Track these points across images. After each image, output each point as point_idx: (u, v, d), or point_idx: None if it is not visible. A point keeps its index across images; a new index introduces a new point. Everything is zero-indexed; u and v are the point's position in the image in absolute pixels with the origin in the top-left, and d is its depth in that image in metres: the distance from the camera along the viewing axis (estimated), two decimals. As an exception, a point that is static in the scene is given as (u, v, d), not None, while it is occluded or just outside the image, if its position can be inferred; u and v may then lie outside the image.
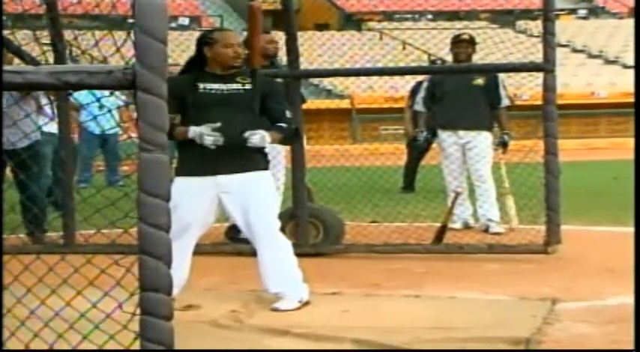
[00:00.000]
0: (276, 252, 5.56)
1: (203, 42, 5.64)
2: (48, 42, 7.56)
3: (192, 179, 5.51)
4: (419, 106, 9.53)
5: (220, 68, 5.60)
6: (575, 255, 7.38)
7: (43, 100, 8.54)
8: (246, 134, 5.44)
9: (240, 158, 5.50)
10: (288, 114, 5.79)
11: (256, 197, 5.52)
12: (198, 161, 5.48)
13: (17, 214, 8.00)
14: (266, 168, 5.65)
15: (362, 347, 4.69)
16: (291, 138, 5.98)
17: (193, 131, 5.43)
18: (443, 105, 9.11)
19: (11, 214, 8.51)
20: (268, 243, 5.55)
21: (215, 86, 5.58)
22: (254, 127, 5.52)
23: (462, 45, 8.97)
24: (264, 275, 5.60)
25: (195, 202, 5.49)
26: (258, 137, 5.45)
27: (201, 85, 5.57)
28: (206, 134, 5.38)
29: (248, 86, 5.61)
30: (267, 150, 5.71)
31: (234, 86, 5.59)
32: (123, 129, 12.47)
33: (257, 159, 5.59)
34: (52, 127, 8.69)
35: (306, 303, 5.60)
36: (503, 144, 9.10)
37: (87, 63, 7.54)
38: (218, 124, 5.39)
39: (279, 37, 8.42)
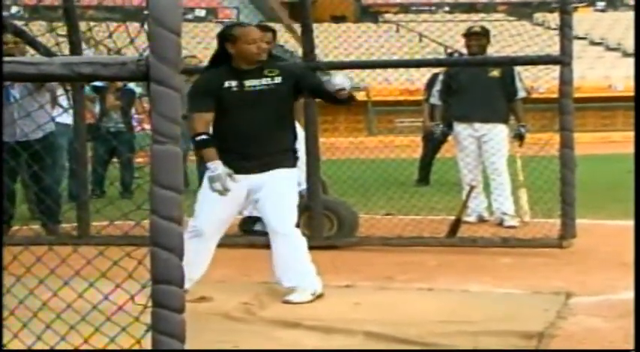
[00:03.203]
0: (290, 248, 5.57)
1: (224, 38, 5.61)
2: (64, 33, 7.57)
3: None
4: (435, 99, 9.50)
5: (245, 64, 5.57)
6: (590, 248, 7.36)
7: (59, 91, 8.55)
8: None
9: (271, 157, 5.55)
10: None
11: (275, 193, 5.55)
12: (235, 160, 5.48)
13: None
14: (292, 166, 5.67)
15: (373, 340, 4.69)
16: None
17: (214, 169, 5.37)
18: (459, 98, 9.07)
19: (22, 205, 8.56)
20: (284, 239, 5.57)
21: (247, 83, 5.54)
22: (282, 124, 5.53)
23: (474, 37, 8.93)
24: (278, 269, 5.62)
25: (230, 199, 5.51)
26: (340, 78, 5.26)
27: (227, 83, 5.54)
28: (218, 182, 5.36)
29: (277, 79, 5.57)
30: None
31: (264, 81, 5.57)
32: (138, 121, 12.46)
33: (285, 158, 5.62)
34: (68, 119, 8.71)
35: (320, 296, 5.60)
36: (519, 137, 9.07)
37: (100, 54, 7.55)
38: (236, 177, 5.40)
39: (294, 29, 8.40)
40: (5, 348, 3.43)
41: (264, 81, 5.57)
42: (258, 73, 5.57)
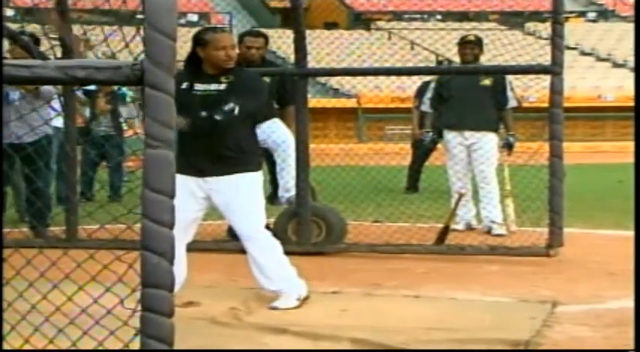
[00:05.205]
0: (263, 253, 5.56)
1: (196, 42, 5.61)
2: (57, 36, 7.57)
3: (183, 176, 5.53)
4: (426, 107, 9.53)
5: (212, 69, 5.56)
6: (577, 258, 7.39)
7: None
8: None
9: (229, 160, 5.51)
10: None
11: (239, 198, 5.52)
12: (189, 160, 5.45)
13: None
14: (256, 170, 5.62)
15: (359, 347, 4.70)
16: None
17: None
18: (449, 106, 9.10)
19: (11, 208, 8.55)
20: (255, 244, 5.56)
21: (197, 86, 5.52)
22: (235, 129, 5.51)
23: (468, 46, 8.96)
24: (258, 275, 5.62)
25: (186, 199, 5.49)
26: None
27: (183, 84, 5.51)
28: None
29: (222, 86, 5.53)
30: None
31: (212, 86, 5.54)
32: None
33: (246, 161, 5.57)
34: (59, 122, 8.71)
35: (306, 298, 5.61)
36: (508, 146, 9.10)
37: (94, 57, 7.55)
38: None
39: (287, 35, 8.41)
40: None
41: (213, 86, 5.55)
42: (213, 78, 5.55)
